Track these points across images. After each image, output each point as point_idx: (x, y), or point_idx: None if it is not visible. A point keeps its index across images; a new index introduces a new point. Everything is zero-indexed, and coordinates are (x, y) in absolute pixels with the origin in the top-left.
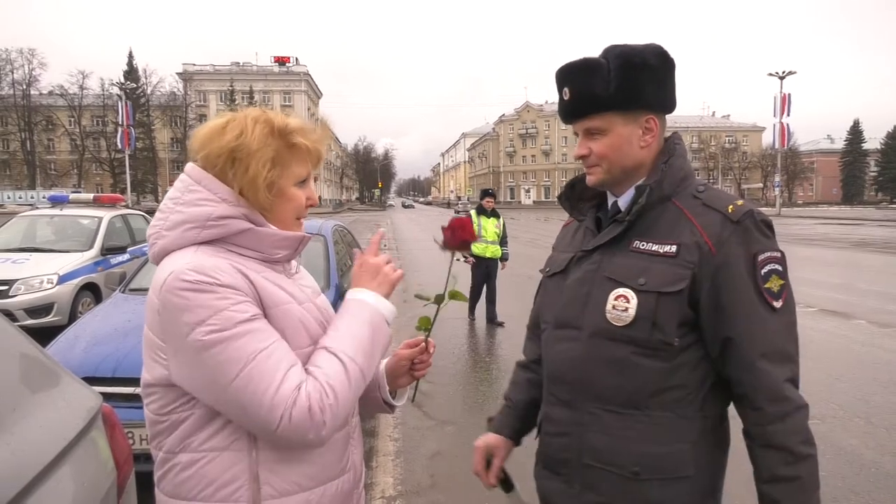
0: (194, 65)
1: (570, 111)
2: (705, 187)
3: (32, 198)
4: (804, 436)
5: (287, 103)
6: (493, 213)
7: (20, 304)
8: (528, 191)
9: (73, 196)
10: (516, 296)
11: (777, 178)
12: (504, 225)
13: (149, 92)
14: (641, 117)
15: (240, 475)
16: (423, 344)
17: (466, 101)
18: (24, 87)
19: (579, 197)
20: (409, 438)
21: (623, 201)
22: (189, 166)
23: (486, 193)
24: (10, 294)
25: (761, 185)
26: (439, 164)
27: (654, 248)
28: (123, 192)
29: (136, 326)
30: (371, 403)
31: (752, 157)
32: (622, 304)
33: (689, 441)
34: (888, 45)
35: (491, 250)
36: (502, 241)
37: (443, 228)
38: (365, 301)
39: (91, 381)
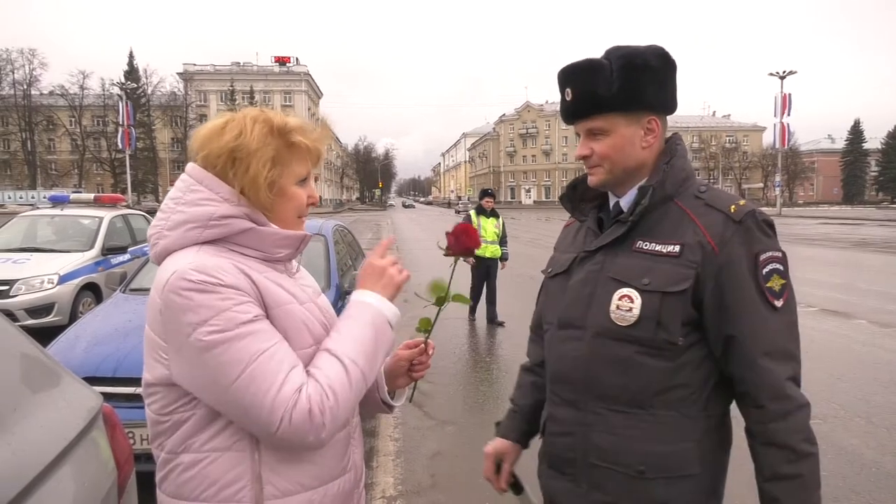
0: (195, 65)
1: (573, 112)
2: (707, 187)
3: (33, 198)
4: (806, 434)
5: (287, 103)
6: (493, 213)
7: (21, 304)
8: (528, 191)
9: (73, 196)
10: (517, 296)
11: (778, 178)
12: (504, 225)
13: (149, 92)
14: (643, 118)
15: (242, 475)
16: (423, 345)
17: (467, 100)
18: (25, 87)
19: (581, 197)
20: (409, 438)
21: (625, 202)
22: (190, 166)
23: (485, 193)
24: (10, 294)
25: (762, 184)
26: (440, 163)
27: (658, 248)
28: (124, 192)
29: (136, 326)
30: (370, 403)
31: (753, 156)
32: (626, 304)
33: (693, 440)
34: (888, 45)
35: (490, 250)
36: (502, 240)
37: (447, 234)
38: (368, 303)
39: (92, 380)
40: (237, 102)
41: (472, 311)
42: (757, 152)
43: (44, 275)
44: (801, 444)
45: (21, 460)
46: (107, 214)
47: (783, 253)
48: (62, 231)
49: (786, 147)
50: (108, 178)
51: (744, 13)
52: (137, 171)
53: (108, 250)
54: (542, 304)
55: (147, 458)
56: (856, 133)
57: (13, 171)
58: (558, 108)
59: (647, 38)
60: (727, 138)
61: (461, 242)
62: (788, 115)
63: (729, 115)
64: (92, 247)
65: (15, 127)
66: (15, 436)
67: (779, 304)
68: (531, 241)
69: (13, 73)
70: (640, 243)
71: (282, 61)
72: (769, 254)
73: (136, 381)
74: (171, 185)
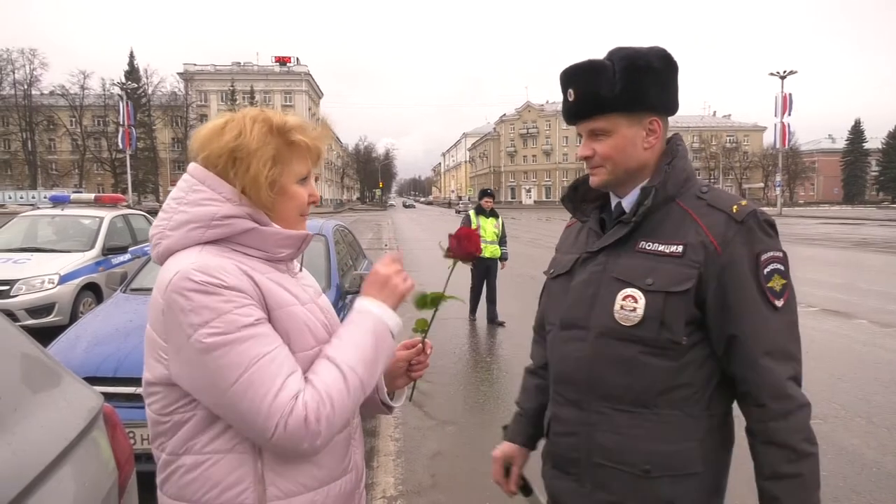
0: (195, 65)
1: (575, 112)
2: (709, 188)
3: (34, 198)
4: (806, 434)
5: (288, 103)
6: (492, 213)
7: (21, 304)
8: (529, 191)
9: (74, 196)
10: (517, 295)
11: (778, 178)
12: (503, 224)
13: (150, 92)
14: (645, 119)
15: (245, 477)
16: (421, 345)
17: (467, 100)
18: (26, 87)
19: (582, 198)
20: (409, 438)
21: (627, 202)
22: (192, 166)
23: (484, 193)
24: (11, 294)
25: (762, 184)
26: (440, 163)
27: (661, 248)
28: (124, 192)
29: (137, 326)
30: (370, 405)
31: (754, 156)
32: (630, 305)
33: (696, 439)
34: (889, 45)
35: (490, 250)
36: (501, 240)
37: (450, 236)
38: (370, 311)
39: (92, 380)
40: (238, 102)
41: (473, 310)
42: (757, 152)
43: (44, 275)
44: (802, 443)
45: (22, 460)
46: (107, 214)
47: (784, 253)
48: (63, 231)
49: (786, 147)
50: (108, 178)
51: (744, 13)
52: (138, 171)
53: (109, 250)
54: (545, 305)
55: (147, 458)
56: (856, 133)
57: (14, 171)
58: (559, 108)
59: (648, 38)
60: (728, 138)
61: (463, 246)
62: (789, 114)
63: (729, 115)
64: (92, 247)
65: (15, 127)
66: (15, 436)
67: (779, 303)
68: (532, 241)
69: (14, 72)
70: (642, 244)
71: (282, 61)
72: (770, 254)
73: (136, 381)
74: (172, 185)
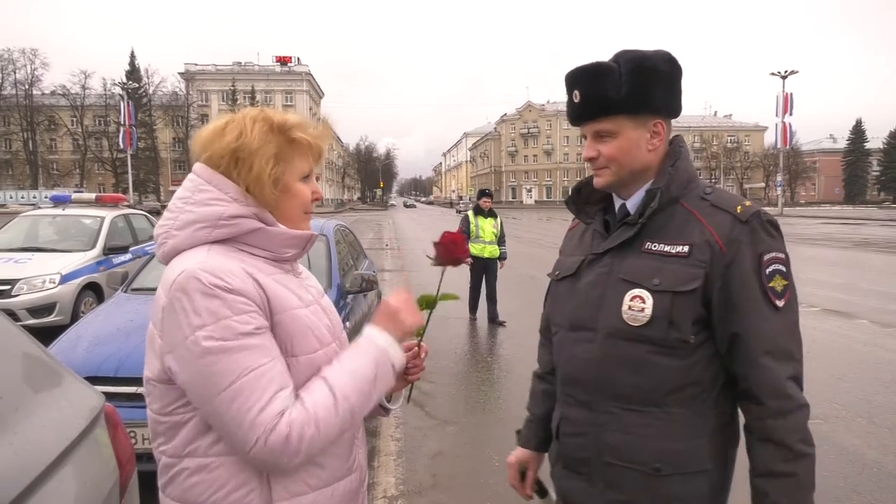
0: (196, 65)
1: (581, 113)
2: (712, 189)
3: (35, 197)
4: (803, 435)
5: (289, 103)
6: (491, 213)
7: (22, 304)
8: (529, 190)
9: (75, 196)
10: (517, 295)
11: (779, 178)
12: (501, 224)
13: (151, 92)
14: (650, 121)
15: (250, 479)
16: (416, 348)
17: (468, 100)
18: (27, 87)
19: (585, 200)
20: (410, 438)
21: (631, 204)
22: (198, 166)
23: (482, 194)
24: (12, 294)
25: (763, 184)
26: (441, 163)
27: (667, 248)
28: (125, 191)
29: (138, 326)
30: None
31: (755, 156)
32: (638, 305)
33: (705, 436)
34: (890, 45)
35: (489, 250)
36: (500, 240)
37: (434, 244)
38: (375, 342)
39: (93, 380)
40: (238, 102)
41: (473, 310)
42: (758, 152)
43: (45, 274)
44: (798, 444)
45: (23, 460)
46: (108, 214)
47: (786, 255)
48: (64, 231)
49: (787, 147)
50: (109, 178)
51: (745, 13)
52: (139, 170)
53: (110, 250)
54: (550, 308)
55: (149, 457)
56: (858, 133)
57: (15, 170)
58: (560, 108)
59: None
60: (729, 138)
61: (449, 252)
62: (790, 114)
63: (730, 115)
64: (93, 246)
65: (17, 127)
66: (17, 435)
67: (780, 304)
68: (532, 241)
69: (15, 72)
70: (648, 244)
71: (283, 61)
72: (773, 254)
73: (137, 381)
74: (173, 184)
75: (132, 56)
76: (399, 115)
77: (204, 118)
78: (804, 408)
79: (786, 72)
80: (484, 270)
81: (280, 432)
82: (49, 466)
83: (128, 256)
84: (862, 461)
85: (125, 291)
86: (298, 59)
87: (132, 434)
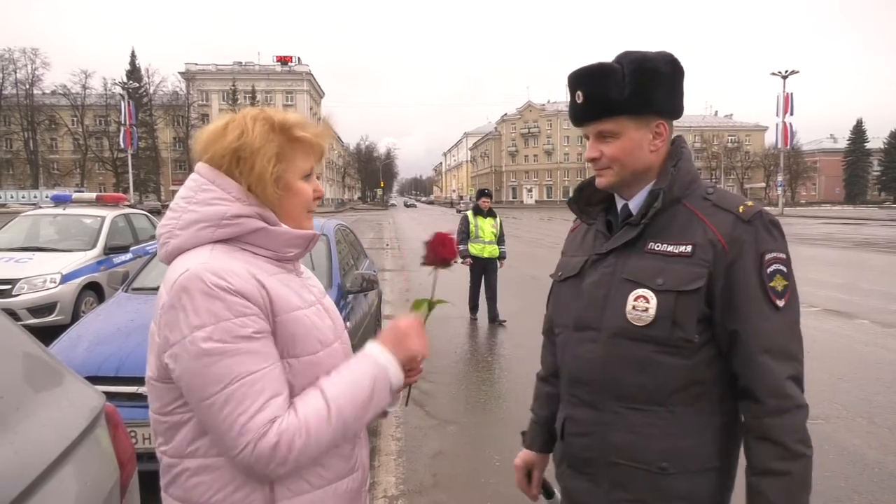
0: (197, 64)
1: (583, 114)
2: (714, 189)
3: (35, 197)
4: (801, 435)
5: (289, 103)
6: (490, 213)
7: (23, 304)
8: (530, 190)
9: (75, 195)
10: (518, 295)
11: (780, 178)
12: (501, 224)
13: (151, 91)
14: (652, 122)
15: (252, 478)
16: None
17: (468, 100)
18: (27, 86)
19: (587, 201)
20: (411, 438)
21: (633, 204)
22: (200, 165)
23: (482, 194)
24: (13, 293)
25: (764, 184)
26: (441, 163)
27: (670, 248)
28: (126, 191)
29: (139, 326)
30: None
31: (755, 156)
32: (642, 305)
33: (710, 434)
34: (890, 45)
35: (488, 250)
36: (499, 240)
37: (425, 244)
38: (377, 360)
39: (94, 380)
40: (239, 102)
41: (473, 310)
42: (759, 152)
43: (46, 274)
44: (796, 444)
45: (24, 459)
46: (109, 214)
47: (788, 255)
48: (64, 230)
49: (788, 147)
50: (110, 178)
51: (745, 13)
52: (139, 170)
53: (111, 249)
54: (553, 309)
55: (150, 457)
56: (858, 133)
57: (15, 170)
58: (560, 107)
59: (649, 37)
60: (729, 138)
61: (438, 253)
62: (791, 114)
63: (731, 115)
64: (94, 246)
65: (17, 126)
66: (17, 435)
67: (781, 303)
68: (533, 241)
69: (15, 72)
70: (651, 245)
71: (284, 61)
72: (774, 254)
73: (138, 381)
74: (174, 184)
75: (133, 56)
76: (399, 114)
77: (204, 118)
78: (803, 408)
79: (786, 72)
80: (484, 270)
81: (269, 440)
82: (50, 466)
83: (128, 256)
84: (863, 461)
85: (126, 291)
86: (299, 58)
87: (133, 434)
